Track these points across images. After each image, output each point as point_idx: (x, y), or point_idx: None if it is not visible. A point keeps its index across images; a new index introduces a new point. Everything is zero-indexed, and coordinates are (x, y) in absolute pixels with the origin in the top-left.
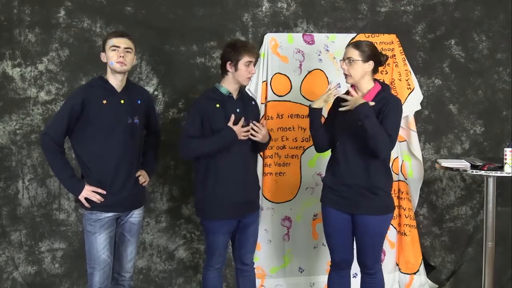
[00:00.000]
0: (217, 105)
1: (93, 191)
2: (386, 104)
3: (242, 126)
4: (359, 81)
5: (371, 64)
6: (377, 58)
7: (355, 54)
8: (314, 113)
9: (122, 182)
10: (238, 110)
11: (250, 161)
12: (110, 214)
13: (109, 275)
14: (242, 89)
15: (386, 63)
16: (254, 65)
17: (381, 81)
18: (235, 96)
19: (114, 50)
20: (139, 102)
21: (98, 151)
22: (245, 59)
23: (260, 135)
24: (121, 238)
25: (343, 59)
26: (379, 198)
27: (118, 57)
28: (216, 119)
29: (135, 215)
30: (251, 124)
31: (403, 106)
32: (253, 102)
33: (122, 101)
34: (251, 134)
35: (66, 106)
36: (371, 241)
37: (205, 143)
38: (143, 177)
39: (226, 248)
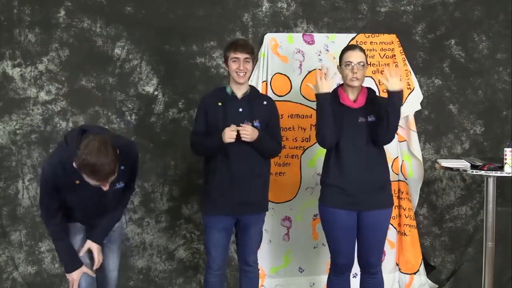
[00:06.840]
0: (219, 103)
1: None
2: (380, 103)
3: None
4: None
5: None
6: None
7: (363, 58)
8: (324, 99)
9: (92, 222)
10: (240, 109)
11: (253, 163)
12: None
13: (93, 282)
14: (252, 89)
15: (386, 63)
16: (253, 63)
17: None
18: (239, 95)
19: None
20: (122, 168)
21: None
22: (232, 55)
23: (247, 136)
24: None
25: (350, 63)
26: (386, 191)
27: None
28: (217, 117)
29: None
30: (241, 125)
31: (403, 106)
32: (265, 102)
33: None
34: (241, 135)
35: (45, 185)
36: (378, 237)
37: (203, 142)
38: (97, 258)
39: (224, 250)
